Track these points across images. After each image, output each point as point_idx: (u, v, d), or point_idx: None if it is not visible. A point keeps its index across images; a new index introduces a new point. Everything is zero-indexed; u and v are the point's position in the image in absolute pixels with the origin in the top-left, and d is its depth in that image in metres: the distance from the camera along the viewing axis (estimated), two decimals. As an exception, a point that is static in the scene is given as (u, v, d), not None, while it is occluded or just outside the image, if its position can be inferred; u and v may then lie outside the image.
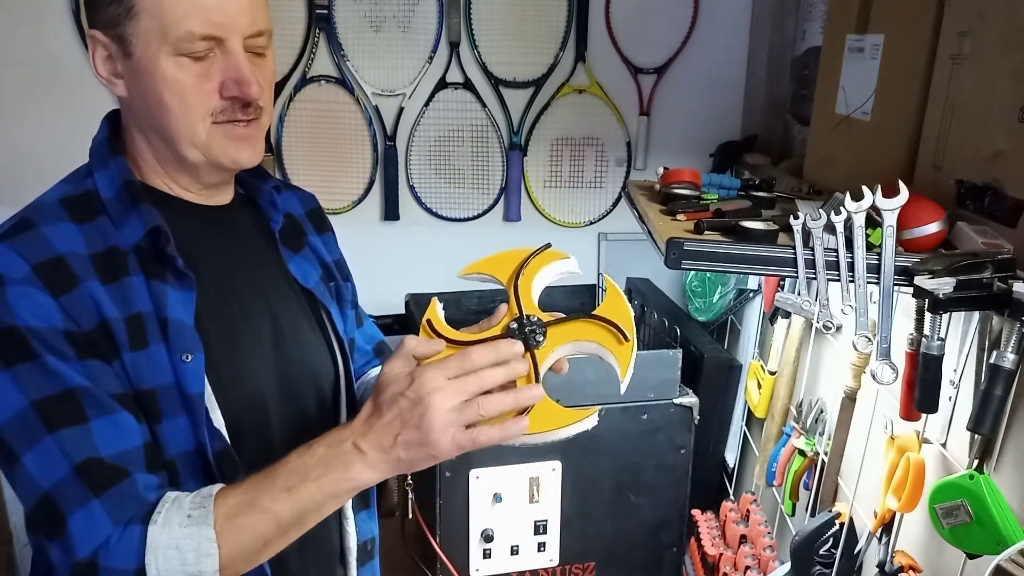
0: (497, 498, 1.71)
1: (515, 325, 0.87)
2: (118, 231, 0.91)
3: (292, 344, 1.05)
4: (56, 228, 0.89)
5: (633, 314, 0.90)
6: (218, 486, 0.86)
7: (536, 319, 0.88)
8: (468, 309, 2.11)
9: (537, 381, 0.84)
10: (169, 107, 0.91)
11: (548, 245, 0.96)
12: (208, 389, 0.92)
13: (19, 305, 0.83)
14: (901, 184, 1.04)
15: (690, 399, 1.77)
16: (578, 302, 2.18)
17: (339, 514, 1.12)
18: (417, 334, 0.88)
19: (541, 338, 0.86)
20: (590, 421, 0.83)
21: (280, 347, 1.03)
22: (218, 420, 0.93)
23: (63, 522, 0.81)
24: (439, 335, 0.88)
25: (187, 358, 0.90)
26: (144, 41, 0.89)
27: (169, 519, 0.82)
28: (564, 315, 0.89)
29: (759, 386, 1.84)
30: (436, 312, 0.90)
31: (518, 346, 0.84)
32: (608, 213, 2.37)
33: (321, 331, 1.10)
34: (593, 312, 0.89)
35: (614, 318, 0.88)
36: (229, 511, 0.83)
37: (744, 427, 2.05)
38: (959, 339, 1.13)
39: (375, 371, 1.23)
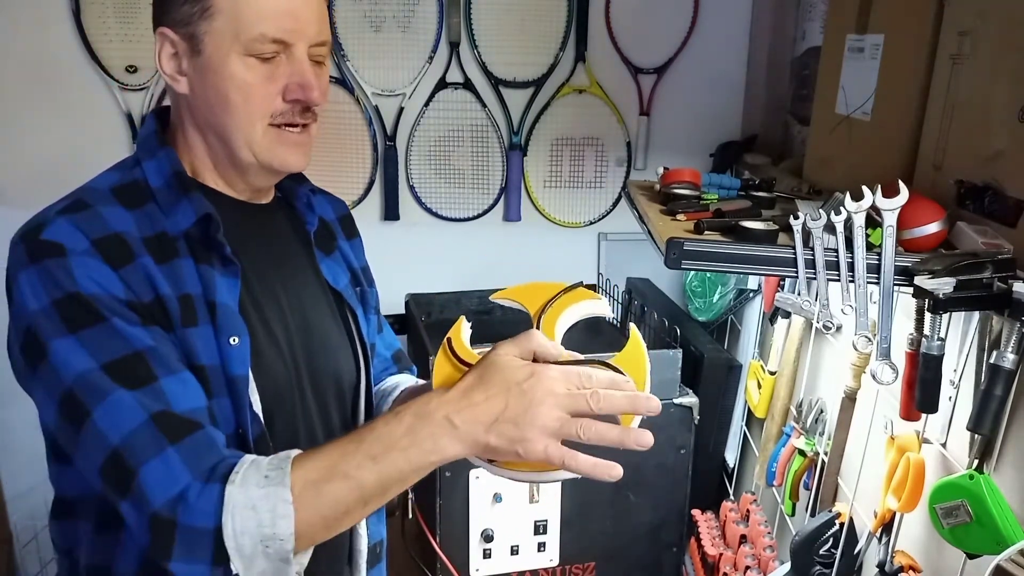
0: (497, 498, 1.71)
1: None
2: (167, 218, 0.93)
3: (319, 343, 1.07)
4: (110, 210, 0.91)
5: (650, 367, 0.86)
6: (295, 451, 0.84)
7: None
8: (468, 309, 2.11)
9: None
10: (233, 104, 0.93)
11: (581, 283, 0.96)
12: (250, 374, 0.93)
13: (81, 274, 0.85)
14: (901, 184, 1.04)
15: (690, 399, 1.77)
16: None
17: None
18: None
19: None
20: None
21: (309, 344, 1.05)
22: (257, 405, 0.94)
23: (134, 474, 0.79)
24: (458, 358, 0.86)
25: (234, 341, 0.92)
26: (216, 40, 0.92)
27: (247, 479, 0.80)
28: (580, 357, 0.86)
29: (759, 386, 1.84)
30: (460, 334, 0.89)
31: (631, 383, 0.82)
32: (608, 213, 2.37)
33: (346, 333, 1.12)
34: (607, 361, 0.85)
35: (629, 369, 0.84)
36: (309, 474, 0.80)
37: (744, 427, 2.05)
38: (959, 339, 1.13)
39: (393, 379, 1.24)
